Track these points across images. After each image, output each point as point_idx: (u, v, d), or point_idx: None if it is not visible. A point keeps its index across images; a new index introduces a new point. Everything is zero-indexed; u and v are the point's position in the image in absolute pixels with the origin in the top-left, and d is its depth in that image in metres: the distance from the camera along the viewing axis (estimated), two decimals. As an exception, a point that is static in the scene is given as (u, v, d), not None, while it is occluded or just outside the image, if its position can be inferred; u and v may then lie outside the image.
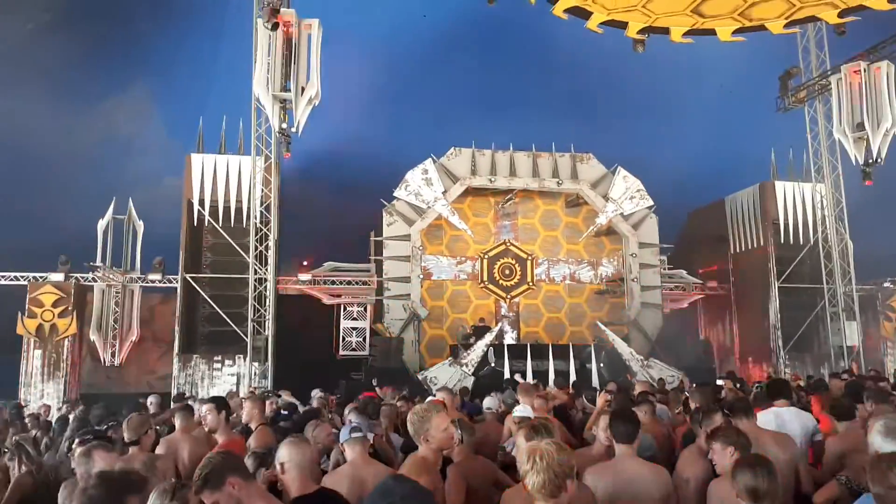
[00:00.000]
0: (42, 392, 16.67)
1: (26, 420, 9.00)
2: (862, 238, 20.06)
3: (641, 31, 11.07)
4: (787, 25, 10.82)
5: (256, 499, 2.90)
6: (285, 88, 13.69)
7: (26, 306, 17.11)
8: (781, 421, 5.16)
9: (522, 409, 5.67)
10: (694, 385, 9.24)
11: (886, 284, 21.22)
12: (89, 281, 17.59)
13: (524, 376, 15.09)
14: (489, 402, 6.89)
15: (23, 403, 13.69)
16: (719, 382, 10.85)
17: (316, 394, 10.12)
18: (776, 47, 18.77)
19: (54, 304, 17.13)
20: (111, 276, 17.29)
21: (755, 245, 20.89)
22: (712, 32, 11.02)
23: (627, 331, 19.48)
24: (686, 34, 11.08)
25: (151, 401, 8.81)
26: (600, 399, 6.64)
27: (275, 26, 13.14)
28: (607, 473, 3.80)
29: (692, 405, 5.89)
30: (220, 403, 5.51)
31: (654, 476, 3.82)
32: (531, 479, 2.67)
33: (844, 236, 19.50)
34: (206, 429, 5.56)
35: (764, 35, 11.20)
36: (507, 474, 4.42)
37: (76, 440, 4.54)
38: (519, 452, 3.47)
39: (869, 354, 19.92)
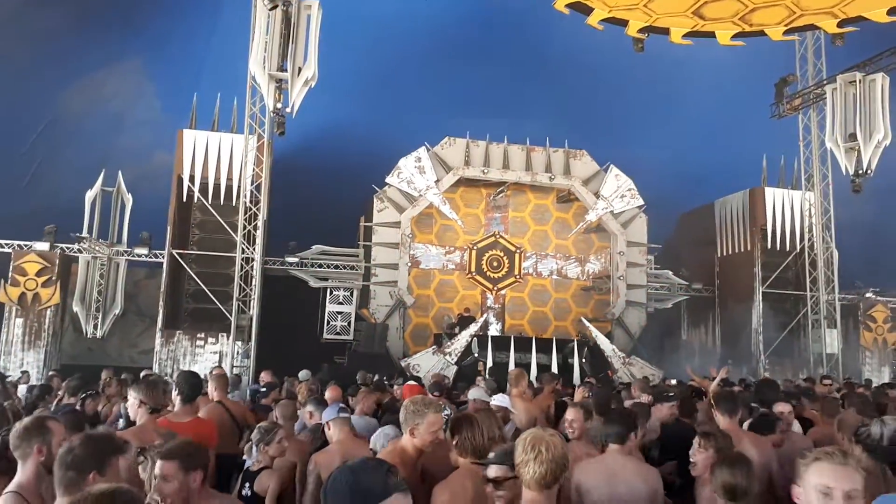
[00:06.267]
0: (22, 361, 16.56)
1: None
2: (847, 247, 20.26)
3: (641, 31, 11.09)
4: (786, 32, 10.88)
5: None
6: (282, 68, 13.56)
7: (9, 274, 16.94)
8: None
9: (501, 399, 5.68)
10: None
11: (868, 294, 21.44)
12: (75, 252, 17.45)
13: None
14: (475, 393, 6.84)
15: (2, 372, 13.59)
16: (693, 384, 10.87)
17: (304, 375, 10.36)
18: (774, 54, 18.82)
19: (38, 274, 16.98)
20: (97, 247, 17.16)
21: (742, 249, 21.04)
22: (712, 35, 11.07)
23: (611, 328, 19.62)
24: (685, 36, 11.11)
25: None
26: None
27: (274, 6, 13.01)
28: (598, 471, 3.85)
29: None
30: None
31: (645, 475, 3.86)
32: (532, 468, 2.62)
33: (830, 245, 19.68)
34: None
35: (762, 40, 11.25)
36: None
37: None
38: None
39: (848, 363, 20.17)
